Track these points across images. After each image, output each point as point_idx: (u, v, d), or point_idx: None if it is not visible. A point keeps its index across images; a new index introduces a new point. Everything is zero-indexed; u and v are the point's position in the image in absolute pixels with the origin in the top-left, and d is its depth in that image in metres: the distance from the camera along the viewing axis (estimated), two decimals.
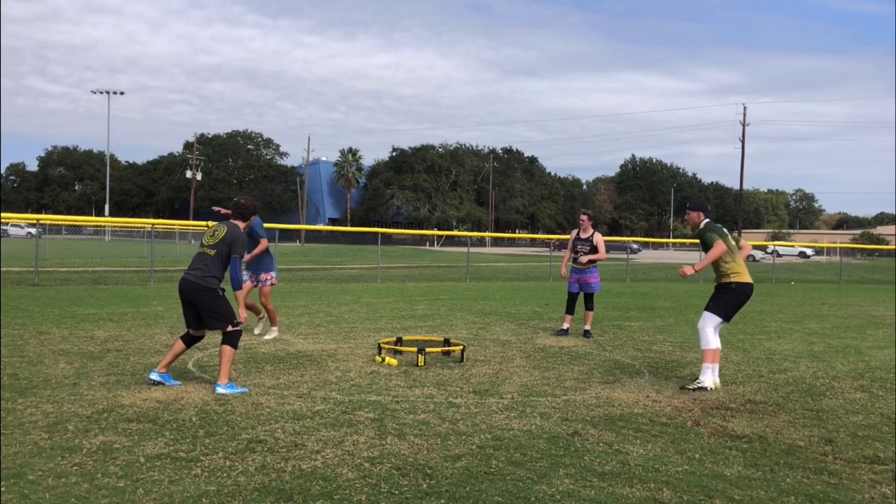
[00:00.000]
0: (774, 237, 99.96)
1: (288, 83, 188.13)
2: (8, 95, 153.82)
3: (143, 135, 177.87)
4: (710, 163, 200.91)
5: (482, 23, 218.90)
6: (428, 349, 8.33)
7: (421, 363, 8.07)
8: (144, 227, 45.21)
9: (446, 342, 8.96)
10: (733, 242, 7.60)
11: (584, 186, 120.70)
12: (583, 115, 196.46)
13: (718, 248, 7.30)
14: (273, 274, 10.02)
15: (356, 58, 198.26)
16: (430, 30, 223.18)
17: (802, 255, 71.91)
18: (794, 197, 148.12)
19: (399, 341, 8.90)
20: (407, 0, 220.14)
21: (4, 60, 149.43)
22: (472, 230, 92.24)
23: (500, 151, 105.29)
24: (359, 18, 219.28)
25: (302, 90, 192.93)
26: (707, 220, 7.76)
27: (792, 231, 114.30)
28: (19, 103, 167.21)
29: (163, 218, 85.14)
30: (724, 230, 7.64)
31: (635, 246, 64.67)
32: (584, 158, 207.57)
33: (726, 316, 7.40)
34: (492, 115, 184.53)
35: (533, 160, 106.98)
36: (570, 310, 11.01)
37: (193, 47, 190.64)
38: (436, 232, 43.06)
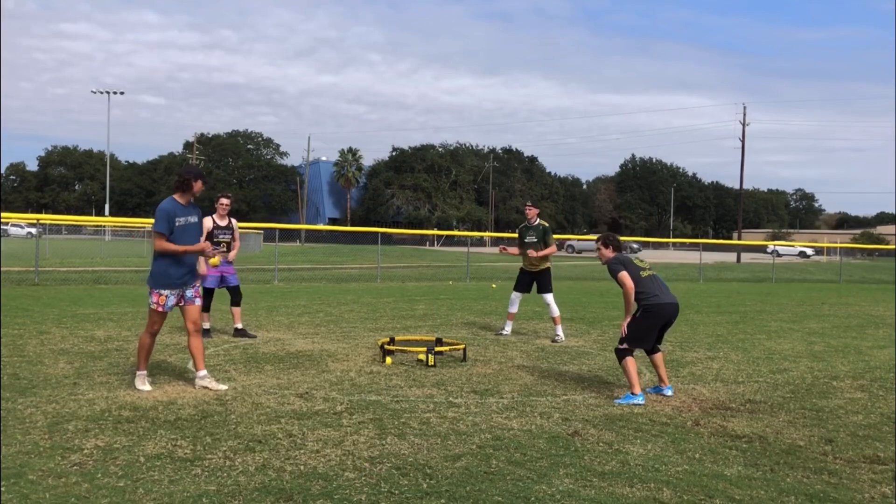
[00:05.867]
0: (774, 237, 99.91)
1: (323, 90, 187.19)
2: (36, 99, 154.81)
3: (155, 135, 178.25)
4: (715, 164, 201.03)
5: (542, 55, 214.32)
6: (408, 348, 8.33)
7: (421, 357, 8.05)
8: (144, 227, 45.17)
9: (438, 341, 8.79)
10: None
11: (584, 186, 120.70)
12: (594, 115, 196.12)
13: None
14: None
15: (424, 87, 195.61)
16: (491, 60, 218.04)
17: (802, 254, 71.93)
18: (794, 197, 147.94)
19: (392, 341, 8.80)
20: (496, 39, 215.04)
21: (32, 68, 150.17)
22: (472, 230, 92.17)
23: (499, 151, 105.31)
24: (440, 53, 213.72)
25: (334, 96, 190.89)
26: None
27: (792, 231, 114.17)
28: (44, 108, 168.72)
29: None
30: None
31: (635, 246, 64.68)
32: (594, 158, 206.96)
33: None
34: (508, 117, 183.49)
35: (533, 160, 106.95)
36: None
37: (275, 78, 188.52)
38: (436, 232, 43.12)
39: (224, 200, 9.66)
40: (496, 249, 61.11)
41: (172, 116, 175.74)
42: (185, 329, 6.79)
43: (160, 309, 6.58)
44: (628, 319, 7.04)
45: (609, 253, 7.24)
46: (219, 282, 9.89)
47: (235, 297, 10.07)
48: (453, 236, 73.01)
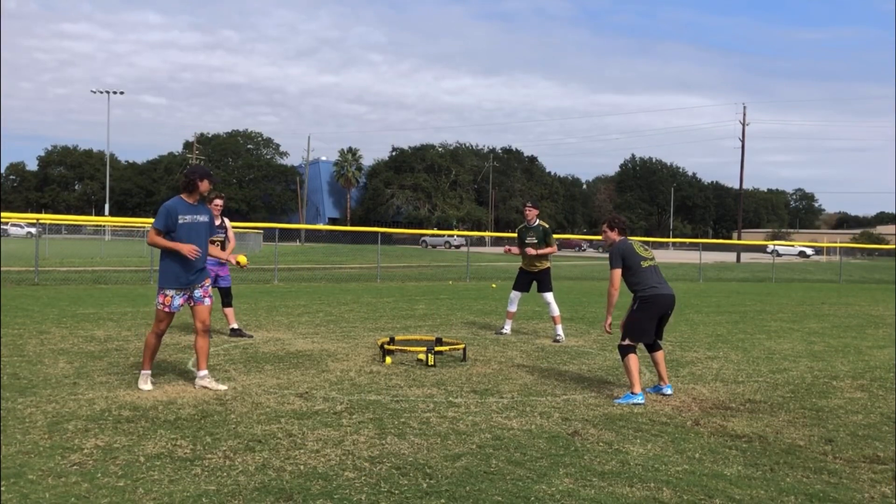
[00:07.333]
0: (774, 237, 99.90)
1: (322, 89, 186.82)
2: (34, 99, 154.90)
3: (155, 135, 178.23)
4: (715, 164, 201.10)
5: (543, 56, 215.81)
6: (408, 348, 8.33)
7: (421, 357, 8.04)
8: (144, 227, 45.19)
9: (438, 341, 8.78)
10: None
11: (584, 186, 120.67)
12: (594, 115, 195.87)
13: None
14: None
15: (424, 87, 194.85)
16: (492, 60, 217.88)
17: (802, 254, 71.94)
18: (794, 197, 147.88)
19: (392, 341, 8.80)
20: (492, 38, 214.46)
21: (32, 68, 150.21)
22: (472, 230, 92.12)
23: (499, 151, 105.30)
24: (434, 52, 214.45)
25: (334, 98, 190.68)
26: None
27: (792, 231, 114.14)
28: (42, 107, 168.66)
29: None
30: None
31: None
32: (594, 158, 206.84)
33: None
34: (508, 117, 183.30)
35: (533, 160, 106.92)
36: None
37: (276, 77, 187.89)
38: (436, 231, 43.12)
39: (217, 201, 9.71)
40: (497, 249, 61.14)
41: (173, 116, 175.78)
42: (194, 328, 6.79)
43: (166, 309, 6.58)
44: (609, 320, 7.07)
45: (614, 236, 7.09)
46: (213, 281, 9.88)
47: (226, 299, 10.10)
48: (453, 236, 73.01)
